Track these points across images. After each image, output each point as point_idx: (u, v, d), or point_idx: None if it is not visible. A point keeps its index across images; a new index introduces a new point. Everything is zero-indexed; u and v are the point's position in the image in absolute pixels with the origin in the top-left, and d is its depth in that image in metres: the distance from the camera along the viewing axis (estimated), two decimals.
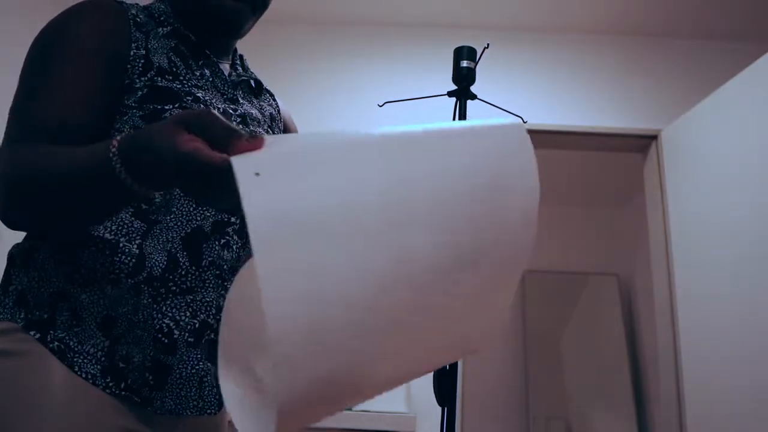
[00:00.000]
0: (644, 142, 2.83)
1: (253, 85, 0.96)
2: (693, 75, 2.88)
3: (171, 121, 0.54)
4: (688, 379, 2.36)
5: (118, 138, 0.60)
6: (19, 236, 0.81)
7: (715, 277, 2.26)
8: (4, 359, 0.70)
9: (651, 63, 2.92)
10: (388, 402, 2.05)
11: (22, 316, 0.72)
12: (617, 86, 2.89)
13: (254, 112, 0.93)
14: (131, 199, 0.62)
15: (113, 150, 0.58)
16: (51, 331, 0.72)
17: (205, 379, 0.81)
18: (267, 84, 1.03)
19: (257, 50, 1.03)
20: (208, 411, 0.81)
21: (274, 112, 1.00)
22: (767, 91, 2.12)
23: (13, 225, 0.72)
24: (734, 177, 2.22)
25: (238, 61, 0.97)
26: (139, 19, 0.83)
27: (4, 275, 0.78)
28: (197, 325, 0.79)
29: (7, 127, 0.74)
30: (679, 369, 2.43)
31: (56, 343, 0.71)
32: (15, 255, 0.78)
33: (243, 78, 0.94)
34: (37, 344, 0.71)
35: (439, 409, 1.30)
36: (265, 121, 0.95)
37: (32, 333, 0.71)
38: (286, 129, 1.06)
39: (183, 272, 0.77)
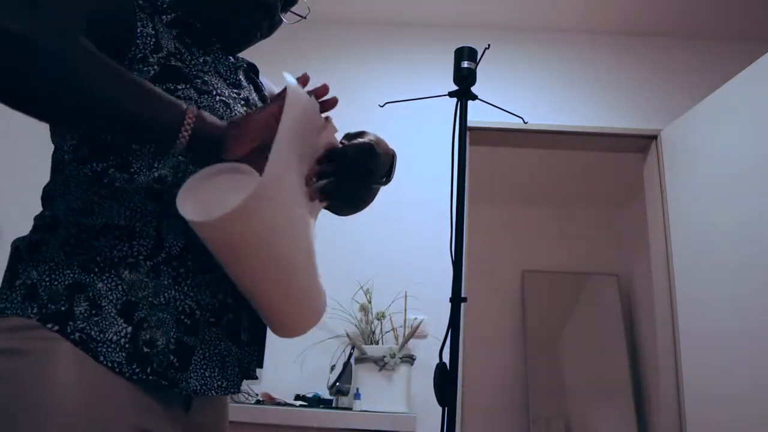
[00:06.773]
0: (644, 142, 2.83)
1: (246, 66, 0.99)
2: (693, 75, 2.88)
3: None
4: (688, 379, 2.36)
5: (195, 114, 0.72)
6: (19, 231, 0.80)
7: (715, 277, 2.26)
8: (18, 358, 0.68)
9: (651, 63, 2.92)
10: (388, 402, 2.05)
11: (35, 311, 0.70)
12: (617, 86, 2.89)
13: (255, 96, 0.96)
14: (159, 147, 0.75)
15: (188, 125, 0.71)
16: (70, 323, 0.70)
17: (227, 359, 0.81)
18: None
19: (257, 50, 1.04)
20: (231, 390, 0.82)
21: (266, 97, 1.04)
22: (767, 91, 2.12)
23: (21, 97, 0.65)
24: (734, 177, 2.22)
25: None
26: (141, 1, 0.83)
27: (8, 270, 0.75)
28: (217, 305, 0.79)
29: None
30: (678, 369, 2.43)
31: (77, 334, 0.69)
32: (20, 249, 0.76)
33: (240, 64, 0.96)
34: (52, 341, 0.68)
35: (439, 409, 1.30)
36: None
37: (50, 326, 0.69)
38: None
39: (200, 250, 0.76)
